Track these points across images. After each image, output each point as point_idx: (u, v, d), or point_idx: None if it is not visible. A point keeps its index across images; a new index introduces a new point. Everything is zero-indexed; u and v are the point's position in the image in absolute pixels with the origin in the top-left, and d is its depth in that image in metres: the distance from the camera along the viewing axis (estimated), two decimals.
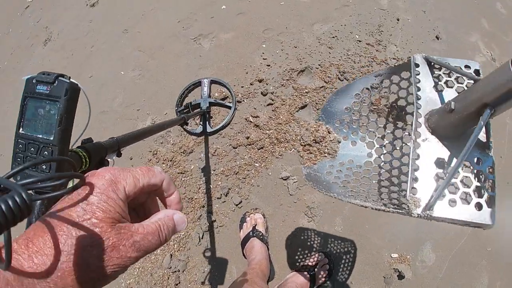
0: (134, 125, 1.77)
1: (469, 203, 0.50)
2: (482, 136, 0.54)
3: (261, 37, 1.83)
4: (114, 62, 2.05)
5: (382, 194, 0.67)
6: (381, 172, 0.74)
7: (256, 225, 1.39)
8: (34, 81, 0.54)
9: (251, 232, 1.35)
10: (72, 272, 0.26)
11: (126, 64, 2.00)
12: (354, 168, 0.75)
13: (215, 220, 1.47)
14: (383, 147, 0.77)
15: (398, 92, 0.74)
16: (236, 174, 1.53)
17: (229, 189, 1.51)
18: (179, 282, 1.42)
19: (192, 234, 1.48)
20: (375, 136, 0.79)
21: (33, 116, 0.54)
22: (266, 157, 1.54)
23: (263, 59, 1.75)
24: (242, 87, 1.70)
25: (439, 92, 0.60)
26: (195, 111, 1.63)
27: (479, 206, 0.50)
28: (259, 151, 1.55)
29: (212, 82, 1.73)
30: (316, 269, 1.28)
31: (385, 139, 0.77)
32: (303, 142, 1.03)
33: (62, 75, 0.53)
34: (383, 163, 0.75)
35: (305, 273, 1.27)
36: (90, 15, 2.39)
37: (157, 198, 0.40)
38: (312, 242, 1.40)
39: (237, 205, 1.48)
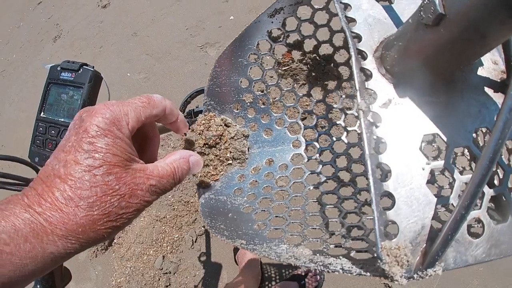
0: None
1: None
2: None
3: None
4: (121, 64, 2.10)
5: (331, 224, 0.43)
6: (321, 171, 0.50)
7: None
8: (58, 68, 0.58)
9: None
10: (93, 226, 0.26)
11: (133, 66, 2.05)
12: (276, 173, 0.48)
13: None
14: (315, 128, 0.52)
15: (316, 33, 0.47)
16: None
17: None
18: (170, 284, 1.44)
19: (186, 237, 1.50)
20: (299, 112, 0.52)
21: (55, 101, 0.57)
22: None
23: None
24: None
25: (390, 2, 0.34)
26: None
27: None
28: None
29: None
30: (306, 279, 1.31)
31: (314, 114, 0.51)
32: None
33: (86, 64, 0.57)
34: (320, 154, 0.51)
35: (295, 282, 1.29)
36: (101, 16, 2.45)
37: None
38: None
39: None
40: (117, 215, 0.27)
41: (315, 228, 0.41)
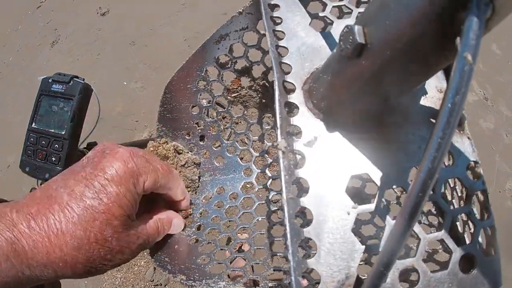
0: (131, 135, 1.82)
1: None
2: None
3: None
4: (118, 72, 2.11)
5: (275, 259, 0.42)
6: (271, 200, 0.49)
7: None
8: (50, 80, 0.60)
9: None
10: (74, 265, 0.25)
11: (130, 75, 2.07)
12: (226, 202, 0.47)
13: None
14: (267, 156, 0.50)
15: (263, 59, 0.46)
16: None
17: None
18: None
19: None
20: (249, 140, 0.51)
21: (46, 112, 0.59)
22: None
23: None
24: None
25: (324, 31, 0.32)
26: None
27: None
28: None
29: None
30: None
31: (265, 141, 0.51)
32: None
33: (77, 77, 0.59)
34: (270, 182, 0.50)
35: None
36: (100, 23, 2.47)
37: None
38: None
39: None
40: (100, 264, 0.27)
41: (258, 263, 0.39)
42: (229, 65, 0.46)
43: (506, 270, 1.13)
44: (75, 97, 0.58)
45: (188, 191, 0.44)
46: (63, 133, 0.57)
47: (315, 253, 0.24)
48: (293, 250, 0.22)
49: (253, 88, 0.48)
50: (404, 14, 0.17)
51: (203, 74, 0.46)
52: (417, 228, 0.25)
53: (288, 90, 0.29)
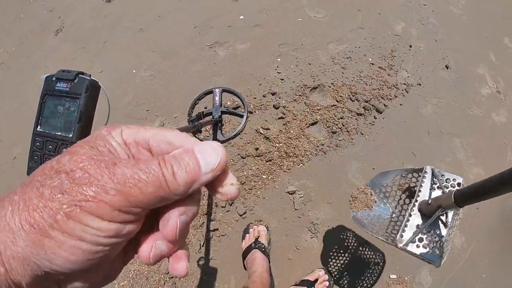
0: (142, 125, 1.77)
1: (426, 249, 0.88)
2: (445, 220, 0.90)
3: (276, 51, 1.86)
4: (126, 60, 2.05)
5: (388, 234, 0.96)
6: (391, 221, 1.01)
7: (259, 237, 1.40)
8: (53, 78, 0.53)
9: (253, 244, 1.36)
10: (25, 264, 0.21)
11: (138, 63, 2.01)
12: (381, 219, 1.02)
13: (217, 229, 1.48)
14: (396, 209, 1.03)
15: (411, 183, 1.02)
16: (243, 184, 1.54)
17: None
18: None
19: (193, 241, 1.48)
20: (397, 203, 1.03)
21: (51, 114, 0.54)
22: (274, 170, 1.56)
23: (277, 72, 1.78)
24: (254, 98, 1.72)
25: (431, 191, 0.94)
26: (207, 119, 1.64)
27: (434, 251, 0.87)
28: (267, 163, 1.57)
29: (224, 91, 1.75)
30: (315, 285, 1.30)
31: (397, 207, 1.03)
32: (353, 196, 1.19)
33: (82, 73, 0.53)
34: (394, 217, 1.01)
35: (305, 287, 1.28)
36: (106, 10, 2.39)
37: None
38: (313, 258, 1.41)
39: (241, 215, 1.49)
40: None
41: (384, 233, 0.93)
42: (404, 177, 1.03)
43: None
44: (81, 95, 0.51)
45: (367, 209, 1.05)
46: (70, 135, 0.51)
47: None
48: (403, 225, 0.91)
49: (406, 188, 1.04)
50: (435, 204, 0.85)
51: (393, 177, 1.07)
52: None
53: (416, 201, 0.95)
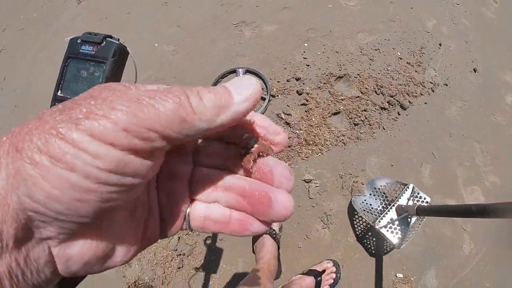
0: None
1: (392, 234, 1.24)
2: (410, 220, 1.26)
3: (304, 35, 1.82)
4: (149, 33, 2.02)
5: (372, 218, 1.31)
6: (377, 211, 1.34)
7: None
8: (79, 41, 0.50)
9: None
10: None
11: (161, 37, 1.97)
12: (370, 207, 1.37)
13: None
14: (382, 205, 1.36)
15: (396, 191, 1.37)
16: None
17: None
18: (182, 266, 1.41)
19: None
20: (383, 201, 1.37)
21: (74, 78, 0.50)
22: (292, 157, 1.54)
23: (304, 58, 1.74)
24: (278, 82, 1.69)
25: (407, 201, 1.29)
26: None
27: (398, 237, 1.23)
28: (286, 149, 1.55)
29: (248, 71, 1.72)
30: (322, 276, 1.29)
31: (383, 203, 1.37)
32: (354, 185, 1.48)
33: (111, 36, 0.50)
34: (379, 209, 1.34)
35: (312, 277, 1.28)
36: None
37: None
38: (323, 249, 1.40)
39: None
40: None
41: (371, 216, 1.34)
42: (391, 186, 1.41)
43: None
44: (108, 60, 0.48)
45: (360, 194, 1.44)
46: None
47: None
48: (382, 216, 1.31)
49: (389, 194, 1.40)
50: (405, 209, 1.25)
51: (384, 184, 1.46)
52: None
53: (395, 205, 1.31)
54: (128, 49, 0.52)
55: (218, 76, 1.72)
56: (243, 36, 1.85)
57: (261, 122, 0.24)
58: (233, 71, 1.72)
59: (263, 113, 1.62)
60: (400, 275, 1.38)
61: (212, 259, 1.41)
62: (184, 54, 1.88)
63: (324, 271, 1.31)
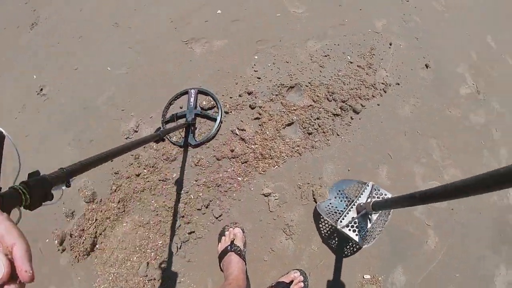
0: (117, 125, 1.73)
1: (355, 233, 1.28)
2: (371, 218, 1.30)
3: (254, 48, 1.82)
4: (102, 56, 1.99)
5: (335, 219, 1.33)
6: (340, 212, 1.36)
7: (234, 239, 1.40)
8: None
9: (229, 246, 1.37)
10: None
11: (113, 60, 1.95)
12: (335, 209, 1.39)
13: (194, 231, 1.48)
14: (345, 205, 1.39)
15: (357, 190, 1.41)
16: (218, 186, 1.54)
17: (210, 201, 1.52)
18: None
19: (170, 244, 1.48)
20: (346, 201, 1.41)
21: None
22: (250, 172, 1.55)
23: (254, 71, 1.74)
24: (230, 97, 1.69)
25: (367, 199, 1.34)
26: (180, 123, 1.61)
27: (360, 236, 1.27)
28: (243, 165, 1.56)
29: (200, 92, 1.71)
30: (290, 286, 1.31)
31: (346, 204, 1.40)
32: (316, 192, 1.51)
33: None
34: (342, 210, 1.36)
35: None
36: (81, 3, 2.30)
37: None
38: (288, 259, 1.43)
39: (217, 218, 1.49)
40: None
41: (334, 218, 1.35)
42: (353, 187, 1.46)
43: (491, 263, 1.10)
44: None
45: (324, 199, 1.40)
46: None
47: None
48: (343, 215, 1.34)
49: (353, 196, 1.42)
50: (363, 207, 1.29)
51: (345, 187, 1.49)
52: None
53: (355, 203, 1.37)
54: (4, 132, 0.51)
55: (169, 99, 1.72)
56: (194, 53, 1.84)
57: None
58: (185, 92, 1.72)
59: (215, 135, 1.61)
60: (367, 276, 1.41)
61: (183, 281, 1.43)
62: (137, 75, 1.86)
63: (292, 281, 1.33)
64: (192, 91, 1.68)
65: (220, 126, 1.63)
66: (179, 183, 1.56)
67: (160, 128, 1.66)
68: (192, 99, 1.66)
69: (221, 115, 1.63)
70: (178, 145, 1.62)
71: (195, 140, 1.60)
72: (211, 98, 1.69)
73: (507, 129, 1.78)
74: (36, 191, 0.49)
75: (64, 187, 0.60)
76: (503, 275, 1.46)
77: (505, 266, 1.48)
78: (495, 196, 1.63)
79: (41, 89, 2.01)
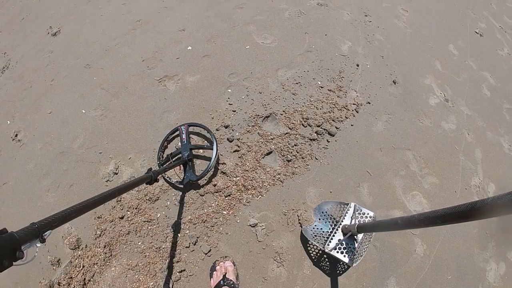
0: (96, 169, 1.71)
1: (342, 254, 1.32)
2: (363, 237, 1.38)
3: (226, 81, 1.85)
4: (75, 99, 1.98)
5: (322, 242, 1.37)
6: (326, 234, 1.41)
7: (226, 273, 1.39)
8: None
9: (221, 281, 1.36)
10: None
11: (88, 102, 1.94)
12: (320, 232, 1.42)
13: (184, 270, 1.46)
14: (330, 227, 1.42)
15: (342, 213, 1.45)
16: (204, 222, 1.53)
17: (197, 237, 1.51)
18: None
19: (161, 284, 1.46)
20: (331, 223, 1.43)
21: None
22: (234, 205, 1.56)
23: (229, 104, 1.77)
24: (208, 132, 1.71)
25: (351, 220, 1.39)
26: (176, 161, 1.59)
27: (349, 256, 1.31)
28: (226, 198, 1.56)
29: (190, 126, 1.70)
30: None
31: (331, 226, 1.43)
32: (301, 216, 1.53)
33: None
34: (328, 232, 1.40)
35: None
36: (51, 45, 2.30)
37: None
38: (282, 286, 1.43)
39: (206, 253, 1.48)
40: None
41: (320, 241, 1.40)
42: (338, 209, 1.48)
43: (480, 260, 1.14)
44: None
45: (309, 224, 1.34)
46: None
47: None
48: (329, 239, 1.39)
49: (338, 217, 1.47)
50: (348, 229, 1.34)
51: (329, 207, 1.52)
52: None
53: (340, 225, 1.41)
54: None
55: (162, 141, 1.69)
56: (168, 91, 1.86)
57: None
58: (176, 130, 1.70)
59: (215, 164, 1.60)
60: None
61: None
62: (112, 117, 1.85)
63: None
64: (182, 127, 1.68)
65: (218, 154, 1.63)
66: (164, 222, 1.55)
67: (151, 168, 1.64)
68: (184, 135, 1.65)
69: (216, 141, 1.62)
70: (182, 184, 1.59)
71: (196, 175, 1.58)
72: (201, 128, 1.69)
73: (478, 130, 1.87)
74: (2, 249, 0.47)
75: (38, 244, 0.57)
76: (494, 269, 1.51)
77: (494, 260, 1.53)
78: (475, 196, 1.69)
79: (16, 135, 1.98)
